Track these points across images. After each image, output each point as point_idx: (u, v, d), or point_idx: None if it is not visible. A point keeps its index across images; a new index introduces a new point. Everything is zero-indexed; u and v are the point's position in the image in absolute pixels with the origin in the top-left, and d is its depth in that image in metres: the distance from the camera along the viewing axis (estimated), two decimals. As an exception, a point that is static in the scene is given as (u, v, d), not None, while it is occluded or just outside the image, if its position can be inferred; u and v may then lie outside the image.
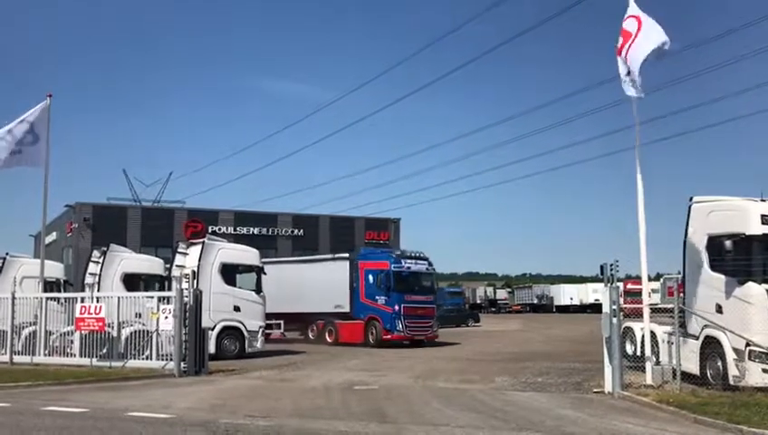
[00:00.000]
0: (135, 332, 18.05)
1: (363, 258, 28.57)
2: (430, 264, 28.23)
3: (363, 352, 24.13)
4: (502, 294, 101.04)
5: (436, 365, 19.03)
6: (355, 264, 28.28)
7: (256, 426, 9.65)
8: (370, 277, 27.36)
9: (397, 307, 26.21)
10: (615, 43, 13.46)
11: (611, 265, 13.21)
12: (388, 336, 26.19)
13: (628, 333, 16.25)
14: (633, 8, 13.41)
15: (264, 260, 24.54)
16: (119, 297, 18.86)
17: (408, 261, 27.30)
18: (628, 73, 12.98)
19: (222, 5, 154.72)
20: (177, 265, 22.22)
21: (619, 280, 13.44)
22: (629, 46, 12.97)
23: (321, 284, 28.47)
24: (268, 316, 26.42)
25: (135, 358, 17.66)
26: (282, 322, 27.66)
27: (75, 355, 18.35)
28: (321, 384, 14.92)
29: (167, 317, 16.97)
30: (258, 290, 23.06)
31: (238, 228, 43.12)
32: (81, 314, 17.74)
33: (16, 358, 18.80)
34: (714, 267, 12.93)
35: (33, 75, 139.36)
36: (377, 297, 26.90)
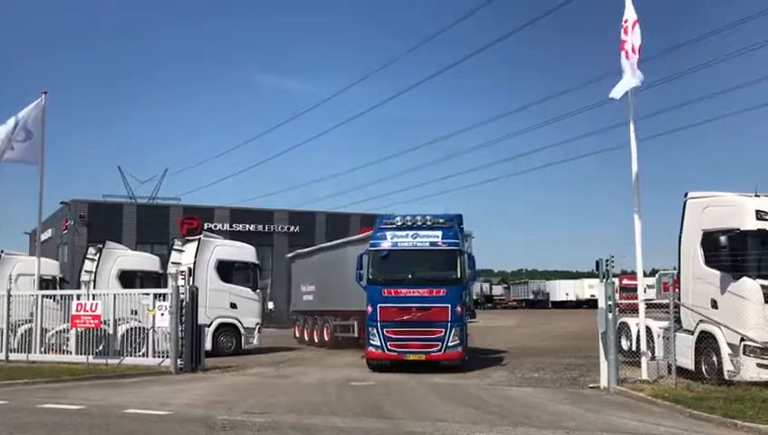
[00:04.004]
0: (131, 329, 18.07)
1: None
2: (449, 235, 16.67)
3: (360, 348, 23.82)
4: (498, 289, 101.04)
5: (432, 361, 19.05)
6: None
7: (253, 422, 9.66)
8: None
9: (370, 308, 16.58)
10: (617, 37, 13.55)
11: (607, 260, 13.26)
12: (365, 352, 17.06)
13: (623, 329, 16.30)
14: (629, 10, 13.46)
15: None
16: (115, 294, 18.87)
17: (399, 234, 16.79)
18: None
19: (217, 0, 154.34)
20: (173, 262, 22.25)
21: (614, 276, 13.50)
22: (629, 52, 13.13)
23: None
24: None
25: (131, 355, 17.68)
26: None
27: (71, 353, 18.32)
28: (317, 380, 14.94)
29: (163, 314, 16.98)
30: (254, 287, 23.07)
31: (234, 225, 43.11)
32: (77, 311, 17.69)
33: (12, 356, 18.76)
34: (709, 263, 12.98)
35: (27, 71, 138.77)
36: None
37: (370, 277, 16.74)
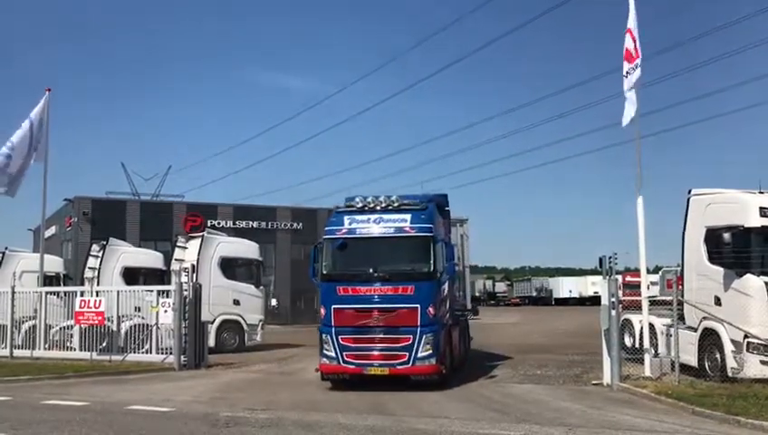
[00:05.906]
0: (135, 325, 18.14)
1: None
2: (419, 219, 13.36)
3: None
4: (501, 287, 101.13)
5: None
6: None
7: (256, 419, 9.68)
8: None
9: (323, 311, 13.46)
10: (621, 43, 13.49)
11: (610, 257, 13.23)
12: (318, 364, 13.59)
13: (626, 326, 16.28)
14: (631, 17, 13.38)
15: None
16: (118, 291, 18.95)
17: (358, 218, 13.63)
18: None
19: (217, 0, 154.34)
20: (176, 259, 22.30)
21: (617, 273, 13.46)
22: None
23: None
24: None
25: (135, 352, 17.73)
26: None
27: (75, 349, 18.40)
28: (319, 377, 14.93)
29: (166, 311, 17.03)
30: (257, 284, 23.11)
31: (237, 222, 43.18)
32: (80, 307, 17.75)
33: (16, 352, 18.84)
34: (712, 260, 12.94)
35: (30, 69, 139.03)
36: None
37: (324, 272, 13.55)
